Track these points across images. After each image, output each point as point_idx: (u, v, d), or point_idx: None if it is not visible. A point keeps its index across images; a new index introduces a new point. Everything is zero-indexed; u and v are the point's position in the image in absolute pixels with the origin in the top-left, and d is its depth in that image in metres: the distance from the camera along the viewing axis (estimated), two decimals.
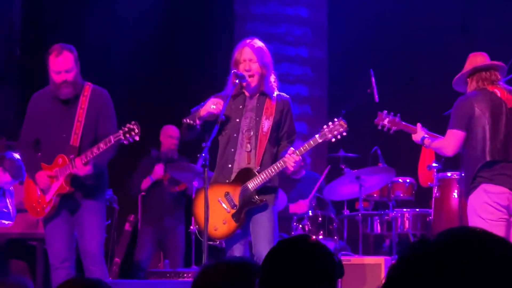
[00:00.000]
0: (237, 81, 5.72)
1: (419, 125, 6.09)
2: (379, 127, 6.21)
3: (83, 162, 5.88)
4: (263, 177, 5.71)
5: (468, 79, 5.87)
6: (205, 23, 10.42)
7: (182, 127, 5.88)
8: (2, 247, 7.77)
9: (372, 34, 10.33)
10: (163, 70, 10.43)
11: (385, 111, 6.19)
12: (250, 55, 5.77)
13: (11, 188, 8.01)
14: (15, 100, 9.37)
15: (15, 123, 8.17)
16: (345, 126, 5.77)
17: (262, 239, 5.69)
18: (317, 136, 5.76)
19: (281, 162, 5.69)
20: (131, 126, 5.83)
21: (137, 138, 5.87)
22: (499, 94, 5.76)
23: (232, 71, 5.76)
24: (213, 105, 5.68)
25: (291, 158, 5.65)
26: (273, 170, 5.71)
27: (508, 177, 5.69)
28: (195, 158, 6.15)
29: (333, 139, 5.78)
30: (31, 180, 6.17)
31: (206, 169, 5.46)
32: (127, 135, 5.83)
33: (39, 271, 7.42)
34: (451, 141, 5.79)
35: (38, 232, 7.19)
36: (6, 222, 7.72)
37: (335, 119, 5.82)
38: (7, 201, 7.97)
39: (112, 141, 5.84)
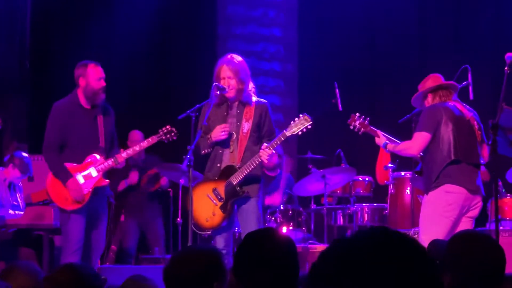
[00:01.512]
0: (218, 92, 5.83)
1: (379, 132, 6.07)
2: (351, 127, 6.13)
3: (125, 157, 6.10)
4: (243, 172, 5.80)
5: (429, 94, 5.84)
6: (192, 41, 10.43)
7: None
8: (12, 236, 7.70)
9: (337, 51, 10.39)
10: (155, 81, 10.41)
11: (358, 114, 6.15)
12: (228, 73, 5.87)
13: (20, 183, 7.95)
14: (25, 108, 9.29)
15: (25, 128, 8.13)
16: (309, 120, 5.76)
17: (248, 228, 5.73)
18: (285, 131, 5.78)
19: (257, 156, 5.76)
20: (170, 128, 6.15)
21: (175, 138, 6.19)
22: (459, 107, 5.79)
23: (214, 84, 5.86)
24: (222, 132, 5.82)
25: (265, 152, 5.73)
26: (252, 165, 5.78)
27: (467, 178, 5.72)
28: (181, 159, 6.16)
29: (300, 133, 5.79)
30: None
31: (190, 169, 5.59)
32: (168, 136, 6.15)
33: (45, 258, 7.37)
34: (417, 142, 5.76)
35: (45, 224, 7.13)
36: (17, 213, 7.66)
37: (300, 115, 5.83)
38: (17, 195, 8.00)
39: (155, 140, 6.15)
